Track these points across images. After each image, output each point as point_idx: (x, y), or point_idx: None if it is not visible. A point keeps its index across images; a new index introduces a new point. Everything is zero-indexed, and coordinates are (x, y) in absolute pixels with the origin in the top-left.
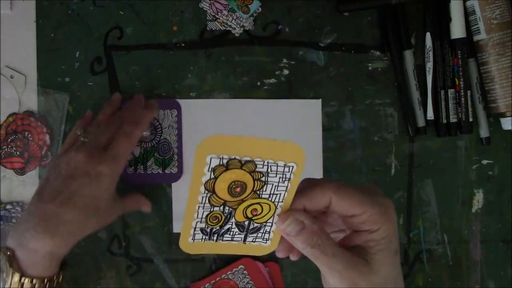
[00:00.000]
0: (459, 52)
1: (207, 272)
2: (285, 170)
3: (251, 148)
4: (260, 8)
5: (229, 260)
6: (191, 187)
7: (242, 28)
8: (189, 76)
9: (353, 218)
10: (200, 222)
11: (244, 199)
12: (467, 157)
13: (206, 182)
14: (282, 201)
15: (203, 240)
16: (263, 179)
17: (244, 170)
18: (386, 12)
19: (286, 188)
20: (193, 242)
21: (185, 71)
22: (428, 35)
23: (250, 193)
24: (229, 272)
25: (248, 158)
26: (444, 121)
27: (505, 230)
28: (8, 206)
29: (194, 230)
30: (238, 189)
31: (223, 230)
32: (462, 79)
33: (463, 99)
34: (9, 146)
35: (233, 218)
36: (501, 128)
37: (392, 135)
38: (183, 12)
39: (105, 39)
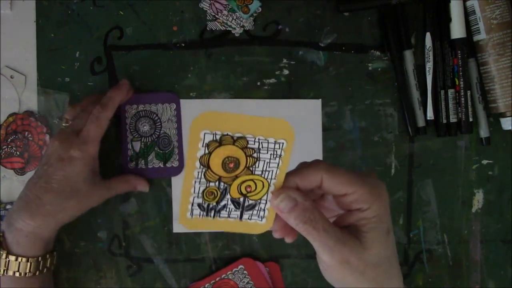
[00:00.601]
0: (459, 52)
1: (207, 272)
2: (275, 147)
3: (243, 124)
4: (260, 8)
5: (229, 260)
6: (187, 162)
7: (242, 28)
8: (189, 76)
9: (344, 198)
10: (197, 197)
11: (238, 175)
12: (467, 157)
13: (201, 157)
14: (274, 178)
15: (201, 216)
16: (255, 155)
17: (237, 146)
18: (386, 12)
19: (278, 165)
20: (191, 218)
21: (185, 71)
22: (428, 35)
23: (243, 169)
24: (229, 272)
25: (240, 135)
26: (444, 121)
27: (505, 230)
28: (8, 206)
29: (192, 205)
30: (231, 165)
31: (219, 207)
32: (462, 79)
33: (463, 99)
34: (9, 146)
35: (229, 194)
36: (501, 128)
37: (392, 135)
38: (183, 12)
39: (105, 39)
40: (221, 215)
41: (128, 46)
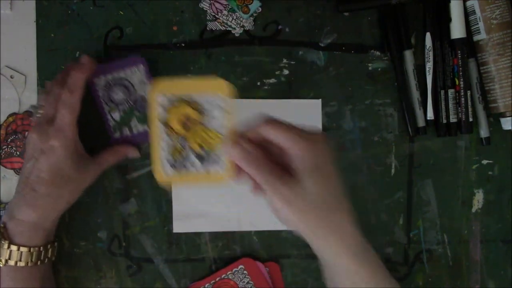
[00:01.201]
0: (459, 52)
1: (207, 272)
2: (220, 103)
3: (192, 87)
4: (260, 8)
5: (229, 260)
6: (151, 125)
7: (242, 28)
8: (189, 76)
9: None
10: (166, 154)
11: (194, 131)
12: (467, 157)
13: (161, 118)
14: (224, 129)
15: (172, 171)
16: (205, 112)
17: (190, 106)
18: (386, 12)
19: (225, 118)
20: (165, 175)
21: (185, 71)
22: (428, 35)
23: (198, 124)
24: (229, 272)
25: (191, 96)
26: (444, 121)
27: (505, 230)
28: None
29: (163, 162)
30: (188, 123)
31: (186, 162)
32: (462, 79)
33: (463, 99)
34: (9, 146)
35: (191, 149)
36: (501, 128)
37: (392, 135)
38: (183, 12)
39: (105, 39)
40: (189, 169)
41: (128, 46)
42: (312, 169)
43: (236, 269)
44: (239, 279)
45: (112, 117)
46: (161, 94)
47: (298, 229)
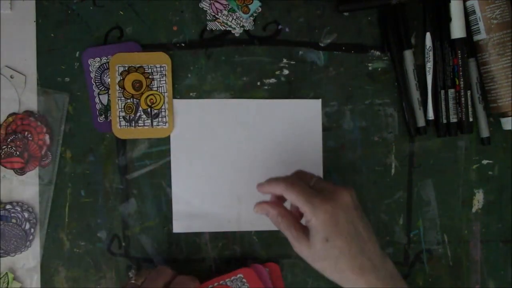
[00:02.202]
0: (459, 52)
1: (207, 272)
2: (161, 70)
3: (140, 58)
4: (260, 8)
5: (229, 260)
6: (111, 87)
7: (242, 28)
8: (189, 76)
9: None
10: (121, 111)
11: (143, 92)
12: (467, 157)
13: (118, 82)
14: (166, 92)
15: (126, 126)
16: (150, 77)
17: (139, 72)
18: (386, 12)
19: (165, 82)
20: (120, 128)
21: (185, 71)
22: (428, 35)
23: (145, 88)
24: (228, 279)
25: (139, 65)
26: (444, 121)
27: (505, 230)
28: (8, 206)
29: (119, 118)
30: (137, 85)
31: (136, 117)
32: (462, 79)
33: (463, 99)
34: (9, 146)
35: (140, 107)
36: (501, 128)
37: (392, 135)
38: (183, 12)
39: (105, 39)
40: (138, 124)
41: None
42: (313, 231)
43: (235, 277)
44: (237, 286)
45: (100, 100)
46: (118, 64)
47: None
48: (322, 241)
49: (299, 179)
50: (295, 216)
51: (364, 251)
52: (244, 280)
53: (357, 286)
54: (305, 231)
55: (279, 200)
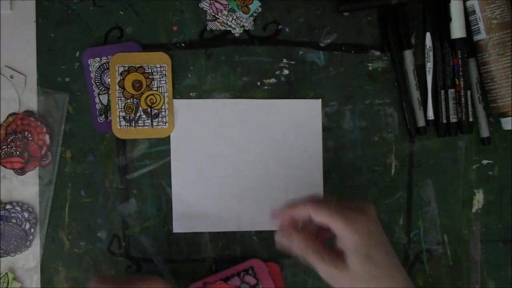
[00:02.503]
0: (459, 52)
1: (207, 272)
2: (161, 70)
3: (140, 58)
4: (260, 8)
5: (229, 260)
6: (111, 87)
7: (242, 28)
8: (189, 76)
9: (328, 228)
10: (121, 111)
11: (143, 92)
12: (467, 157)
13: (118, 82)
14: (166, 91)
15: (126, 126)
16: (150, 77)
17: (138, 72)
18: (386, 12)
19: (165, 82)
20: (120, 128)
21: (185, 71)
22: (428, 35)
23: (145, 88)
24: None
25: (139, 65)
26: (444, 121)
27: (505, 230)
28: (8, 206)
29: (119, 118)
30: (137, 85)
31: (136, 117)
32: (462, 79)
33: (463, 99)
34: (9, 146)
35: (140, 107)
36: (501, 128)
37: (392, 135)
38: (183, 12)
39: (105, 39)
40: (138, 124)
41: None
42: (354, 249)
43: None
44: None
45: (100, 100)
46: (118, 63)
47: None
48: (364, 258)
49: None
50: (321, 241)
51: (397, 263)
52: (254, 271)
53: None
54: (336, 255)
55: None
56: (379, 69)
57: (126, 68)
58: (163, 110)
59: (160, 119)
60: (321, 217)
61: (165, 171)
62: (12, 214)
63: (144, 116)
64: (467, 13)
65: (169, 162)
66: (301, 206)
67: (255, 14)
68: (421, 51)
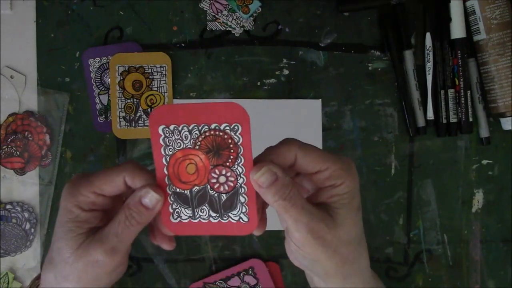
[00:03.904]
0: (459, 52)
1: (207, 272)
2: (161, 70)
3: (141, 58)
4: (260, 8)
5: (229, 260)
6: (111, 87)
7: (242, 28)
8: (189, 76)
9: (317, 175)
10: (121, 111)
11: (143, 92)
12: (467, 157)
13: (118, 82)
14: (166, 92)
15: (126, 126)
16: (150, 77)
17: (139, 72)
18: (386, 12)
19: (166, 82)
20: (120, 128)
21: (185, 71)
22: (428, 35)
23: (145, 88)
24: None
25: (139, 65)
26: (444, 121)
27: (505, 230)
28: (8, 206)
29: (119, 118)
30: (137, 85)
31: (136, 117)
32: (462, 79)
33: (463, 99)
34: (9, 146)
35: (140, 107)
36: (501, 128)
37: (392, 135)
38: (183, 12)
39: (105, 39)
40: (138, 124)
41: None
42: (348, 198)
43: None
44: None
45: (100, 100)
46: (118, 63)
47: (316, 267)
48: (356, 210)
49: None
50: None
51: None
52: (254, 272)
53: (368, 274)
54: (320, 208)
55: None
56: (379, 69)
57: (126, 68)
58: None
59: None
60: (311, 158)
61: None
62: (13, 214)
63: (144, 116)
64: (467, 13)
65: None
66: (285, 147)
67: (255, 14)
68: (421, 51)
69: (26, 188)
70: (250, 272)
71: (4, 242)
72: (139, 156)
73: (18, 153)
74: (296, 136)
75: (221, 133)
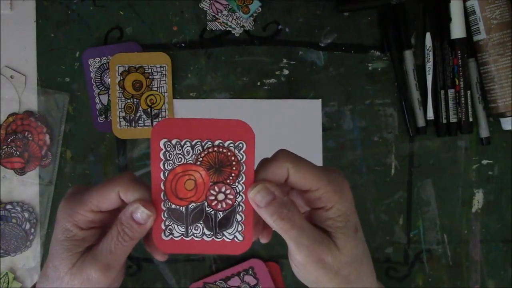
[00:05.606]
0: (459, 52)
1: (207, 272)
2: (161, 70)
3: (141, 58)
4: (260, 8)
5: (229, 260)
6: (111, 87)
7: (242, 28)
8: (189, 76)
9: (308, 194)
10: (121, 111)
11: (143, 92)
12: (467, 157)
13: (118, 82)
14: (166, 92)
15: (126, 126)
16: (150, 77)
17: (139, 72)
18: (386, 12)
19: (166, 82)
20: (120, 128)
21: (185, 71)
22: (428, 35)
23: (145, 88)
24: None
25: (139, 65)
26: (444, 121)
27: (505, 230)
28: (8, 206)
29: (119, 118)
30: (137, 85)
31: (136, 117)
32: (462, 79)
33: (463, 99)
34: (9, 146)
35: (140, 107)
36: (501, 128)
37: (392, 135)
38: (183, 12)
39: (105, 39)
40: (139, 124)
41: None
42: (342, 222)
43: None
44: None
45: (100, 100)
46: (118, 63)
47: (319, 286)
48: (353, 232)
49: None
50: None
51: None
52: (254, 272)
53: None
54: (318, 229)
55: None
56: (379, 69)
57: (126, 68)
58: (163, 110)
59: (160, 119)
60: (303, 175)
61: None
62: (13, 214)
63: (144, 116)
64: (467, 13)
65: None
66: (278, 163)
67: (255, 14)
68: (421, 51)
69: (26, 188)
70: (250, 272)
71: (4, 242)
72: (139, 156)
73: (18, 153)
74: (296, 136)
75: (224, 150)
